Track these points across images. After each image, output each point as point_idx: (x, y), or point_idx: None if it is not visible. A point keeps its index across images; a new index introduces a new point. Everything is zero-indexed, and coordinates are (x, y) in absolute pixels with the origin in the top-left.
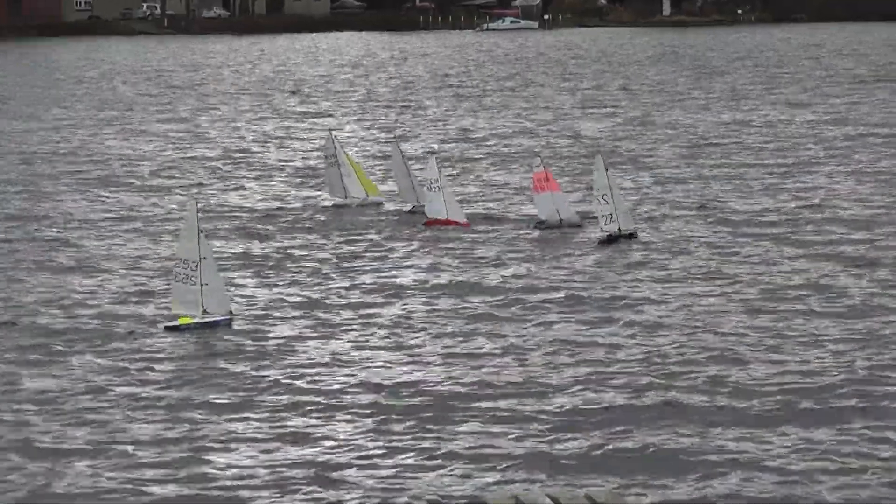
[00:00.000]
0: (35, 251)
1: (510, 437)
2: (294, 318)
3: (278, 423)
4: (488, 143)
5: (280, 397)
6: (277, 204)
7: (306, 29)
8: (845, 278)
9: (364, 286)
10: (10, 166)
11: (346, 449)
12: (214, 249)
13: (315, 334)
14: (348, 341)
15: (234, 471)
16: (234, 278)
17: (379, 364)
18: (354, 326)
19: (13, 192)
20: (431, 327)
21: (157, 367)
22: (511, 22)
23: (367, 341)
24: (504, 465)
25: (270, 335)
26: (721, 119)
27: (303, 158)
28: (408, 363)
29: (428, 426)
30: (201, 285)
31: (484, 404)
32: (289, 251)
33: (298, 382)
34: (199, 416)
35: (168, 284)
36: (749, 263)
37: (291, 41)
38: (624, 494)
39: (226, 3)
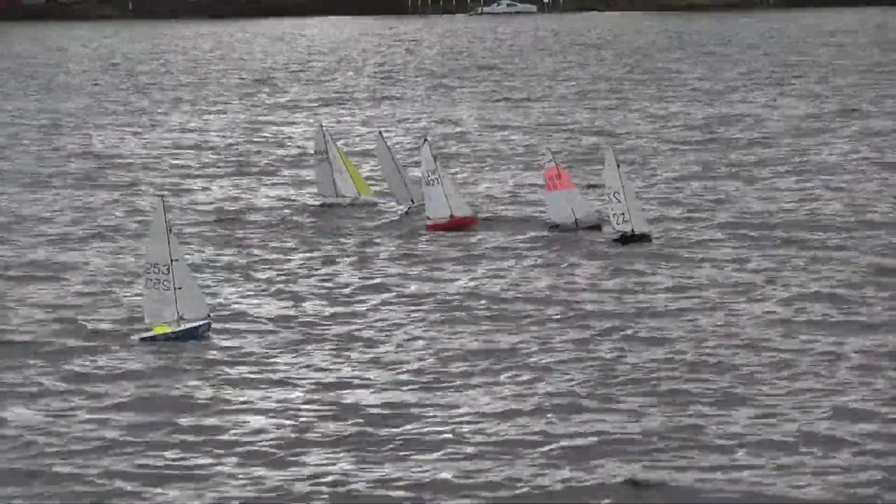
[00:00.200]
0: None
1: (499, 465)
2: (275, 328)
3: (263, 445)
4: (483, 137)
5: (261, 417)
6: (258, 203)
7: (288, 13)
8: (869, 288)
9: (352, 294)
10: None
11: (328, 470)
12: (189, 253)
13: (298, 348)
14: (332, 354)
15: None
16: (211, 284)
17: (364, 380)
18: (339, 340)
19: None
20: (423, 341)
21: (132, 385)
22: (507, 5)
23: (352, 357)
24: (494, 494)
25: (250, 345)
26: (735, 111)
27: (286, 153)
28: (396, 382)
29: (416, 451)
30: (175, 290)
31: (472, 427)
32: (271, 255)
33: (278, 399)
34: (181, 440)
35: (139, 292)
36: (766, 271)
37: (271, 26)
38: None
39: None
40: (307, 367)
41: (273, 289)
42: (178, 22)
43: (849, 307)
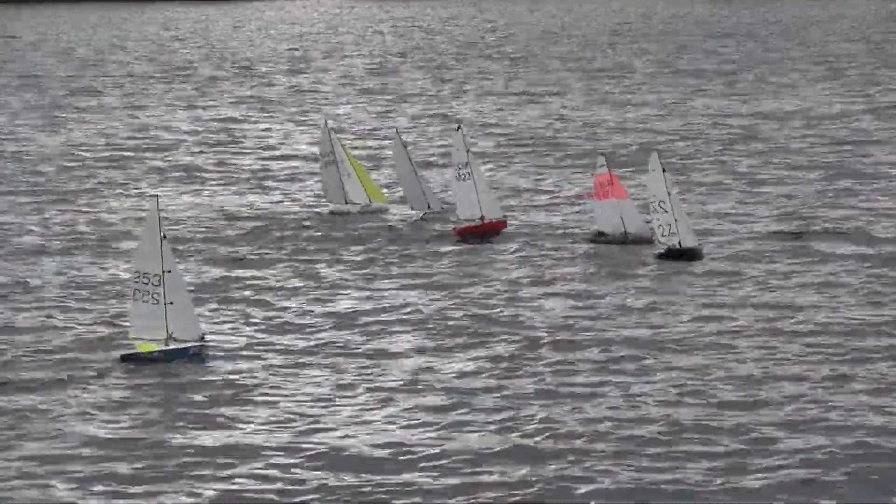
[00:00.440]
0: None
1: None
2: (273, 356)
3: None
4: (509, 134)
5: (257, 463)
6: (258, 213)
7: None
8: None
9: (357, 319)
10: None
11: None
12: (181, 263)
13: (295, 379)
14: (341, 383)
15: None
16: (206, 301)
17: (363, 416)
18: (341, 375)
19: None
20: (430, 371)
21: (109, 411)
22: None
23: (353, 391)
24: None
25: (248, 371)
26: (785, 108)
27: (286, 155)
28: (410, 413)
29: (425, 480)
30: (166, 304)
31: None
32: (273, 271)
33: (279, 439)
34: (151, 478)
35: (123, 305)
36: (832, 303)
37: (254, 9)
38: None
39: None
40: (303, 402)
41: (274, 310)
42: (147, 5)
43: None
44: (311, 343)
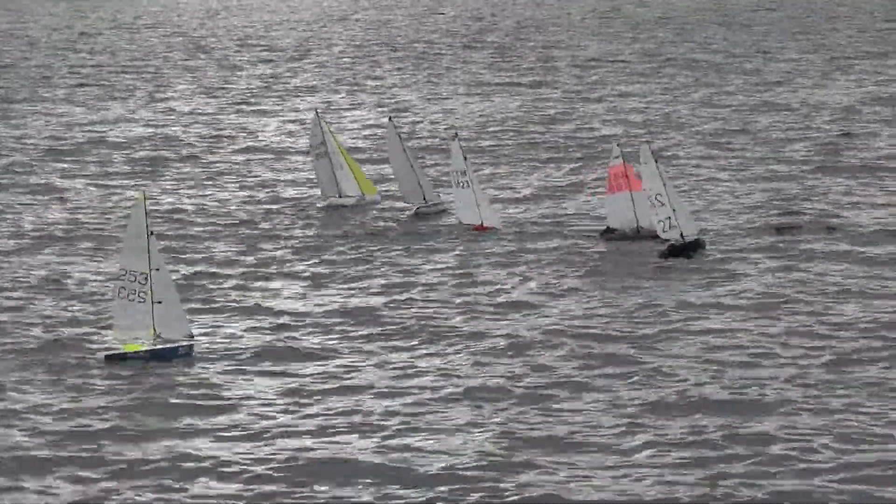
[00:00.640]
0: None
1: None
2: (268, 351)
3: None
4: (507, 126)
5: (241, 468)
6: (251, 207)
7: None
8: None
9: (357, 315)
10: None
11: None
12: (170, 263)
13: (284, 383)
14: (331, 383)
15: None
16: (194, 299)
17: (355, 422)
18: (330, 380)
19: None
20: (422, 375)
21: (91, 415)
22: None
23: (342, 395)
24: None
25: (238, 371)
26: (783, 98)
27: (274, 146)
28: (404, 418)
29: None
30: (153, 303)
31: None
32: (267, 269)
33: (267, 442)
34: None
35: (107, 303)
36: (832, 297)
37: None
38: None
39: None
40: (292, 403)
41: (265, 308)
42: None
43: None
44: (302, 343)
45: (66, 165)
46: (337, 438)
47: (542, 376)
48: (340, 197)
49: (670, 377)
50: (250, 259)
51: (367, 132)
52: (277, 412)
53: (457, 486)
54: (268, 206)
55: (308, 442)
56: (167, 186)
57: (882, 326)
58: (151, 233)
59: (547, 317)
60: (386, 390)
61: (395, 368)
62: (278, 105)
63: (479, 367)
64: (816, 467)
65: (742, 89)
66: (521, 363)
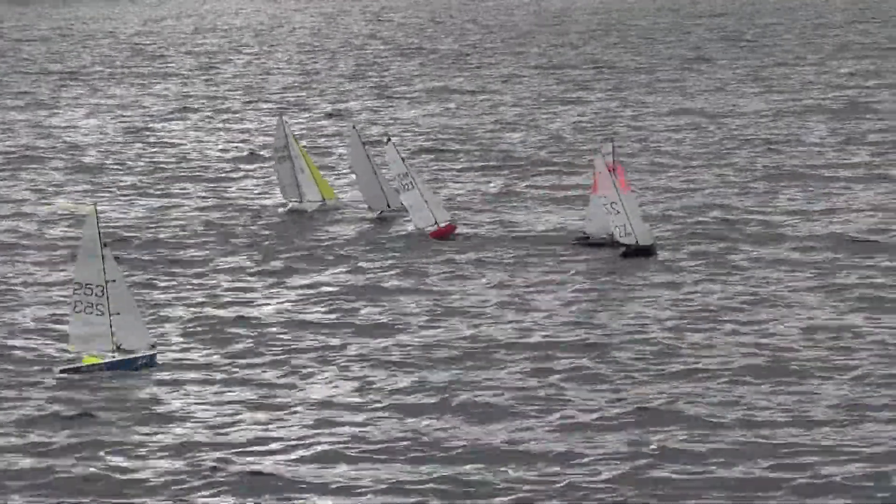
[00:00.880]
0: None
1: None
2: (228, 361)
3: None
4: (469, 133)
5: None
6: (211, 213)
7: None
8: (875, 326)
9: (316, 322)
10: None
11: None
12: (129, 272)
13: (255, 383)
14: (290, 393)
15: None
16: (153, 309)
17: (312, 433)
18: (298, 375)
19: None
20: (382, 379)
21: (46, 428)
22: None
23: (304, 405)
24: None
25: (198, 382)
26: (753, 107)
27: (235, 150)
28: (366, 422)
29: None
30: (110, 315)
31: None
32: (228, 276)
33: (225, 455)
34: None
35: (61, 316)
36: (777, 304)
37: (179, 2)
38: None
39: None
40: (255, 411)
41: (228, 319)
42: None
43: (851, 344)
44: (264, 353)
45: (6, 174)
46: (301, 453)
47: (494, 382)
48: (302, 202)
49: (617, 386)
50: (210, 267)
51: (325, 139)
52: (237, 424)
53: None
54: (226, 213)
55: (268, 456)
56: (120, 196)
57: (820, 333)
58: (105, 245)
59: (497, 323)
60: (346, 402)
61: (353, 378)
62: (234, 111)
63: (431, 375)
64: (749, 483)
65: (689, 96)
66: (477, 369)
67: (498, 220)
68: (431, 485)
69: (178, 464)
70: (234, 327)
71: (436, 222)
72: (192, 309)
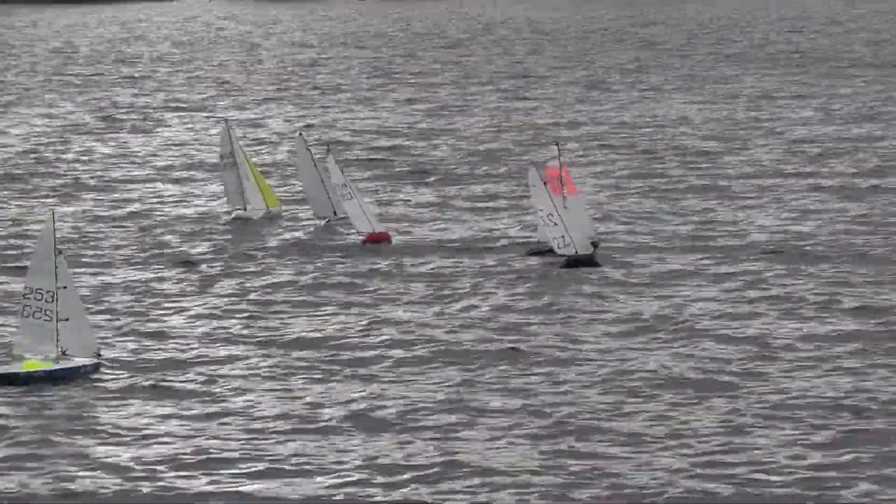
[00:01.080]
0: None
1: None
2: (174, 368)
3: None
4: (400, 142)
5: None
6: (155, 220)
7: None
8: (794, 340)
9: (261, 329)
10: None
11: None
12: (77, 278)
13: (187, 401)
14: (237, 401)
15: None
16: (102, 316)
17: (270, 437)
18: (235, 398)
19: None
20: (319, 386)
21: None
22: None
23: (245, 416)
24: None
25: (141, 386)
26: (684, 116)
27: (183, 157)
28: (307, 432)
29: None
30: (58, 321)
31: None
32: (175, 282)
33: (165, 469)
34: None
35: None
36: (707, 314)
37: (119, 11)
38: None
39: None
40: (195, 422)
41: (172, 329)
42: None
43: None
44: (208, 363)
45: None
46: (241, 467)
47: (420, 394)
48: (246, 209)
49: (543, 398)
50: (155, 275)
51: (269, 146)
52: (179, 437)
53: None
54: (172, 222)
55: (207, 473)
56: (52, 205)
57: (749, 343)
58: (59, 252)
59: (427, 333)
60: (288, 416)
61: (298, 391)
62: (179, 118)
63: (369, 386)
64: (676, 499)
65: (623, 106)
66: (406, 380)
67: (433, 230)
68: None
69: (110, 479)
70: (169, 338)
71: (374, 230)
72: (136, 319)
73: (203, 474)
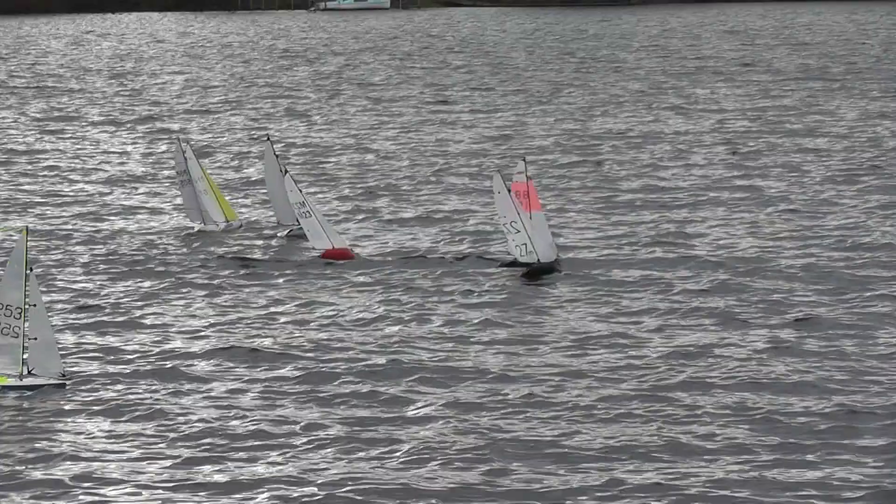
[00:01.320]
0: None
1: None
2: (141, 387)
3: None
4: (351, 156)
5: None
6: (121, 236)
7: (89, 9)
8: (752, 349)
9: (231, 345)
10: None
11: None
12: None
13: (153, 424)
14: (202, 424)
15: None
16: (66, 331)
17: (239, 456)
18: (214, 399)
19: None
20: (289, 398)
21: None
22: (355, 0)
23: (215, 436)
24: None
25: (106, 402)
26: (633, 128)
27: (134, 171)
28: (278, 448)
29: None
30: (24, 339)
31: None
32: (137, 301)
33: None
34: None
35: None
36: (666, 326)
37: (56, 24)
38: None
39: None
40: (155, 451)
41: (137, 343)
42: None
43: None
44: (170, 382)
45: None
46: (205, 485)
47: (366, 412)
48: (205, 223)
49: (487, 414)
50: (118, 292)
51: (223, 160)
52: (139, 458)
53: None
54: (134, 236)
55: (168, 491)
56: (29, 217)
57: (694, 357)
58: (31, 269)
59: (380, 346)
60: (254, 433)
61: (264, 409)
62: (137, 130)
63: (315, 403)
64: None
65: (570, 117)
66: (366, 392)
67: (392, 243)
68: None
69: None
70: (131, 354)
71: (332, 246)
72: (89, 334)
73: (164, 493)
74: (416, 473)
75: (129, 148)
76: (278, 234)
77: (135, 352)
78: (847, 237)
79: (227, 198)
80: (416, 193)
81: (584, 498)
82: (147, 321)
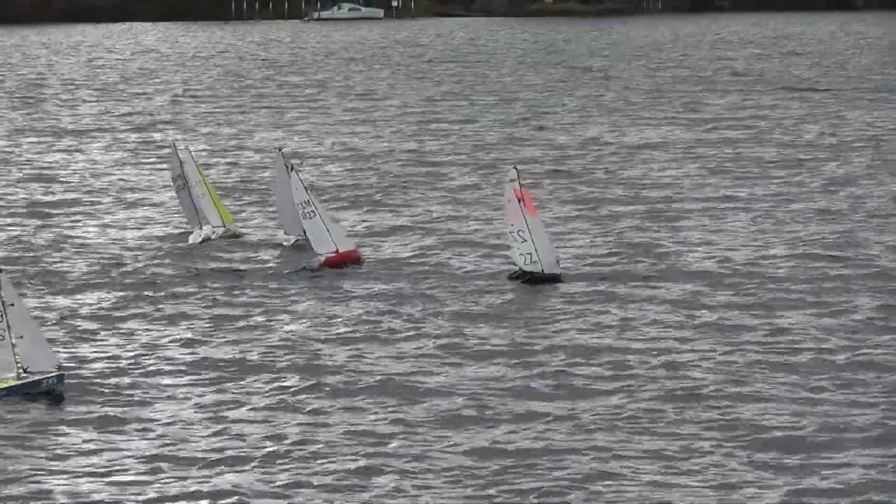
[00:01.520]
0: None
1: None
2: (138, 390)
3: None
4: (334, 164)
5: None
6: (112, 240)
7: (87, 19)
8: (751, 362)
9: (226, 352)
10: None
11: None
12: (26, 296)
13: (155, 414)
14: (199, 414)
15: None
16: (58, 338)
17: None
18: (209, 399)
19: None
20: (287, 411)
21: None
22: (350, 10)
23: (211, 432)
24: None
25: (97, 412)
26: (621, 140)
27: (130, 178)
28: (271, 455)
29: None
30: (12, 339)
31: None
32: (134, 301)
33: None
34: None
35: None
36: (664, 337)
37: (65, 33)
38: None
39: None
40: (164, 433)
41: (129, 353)
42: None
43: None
44: (170, 380)
45: None
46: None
47: (358, 423)
48: (203, 228)
49: (486, 426)
50: (111, 297)
51: (219, 166)
52: (133, 468)
53: None
54: (130, 242)
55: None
56: (17, 219)
57: (683, 368)
58: (1, 270)
59: (369, 355)
60: (250, 444)
61: (257, 421)
62: (132, 137)
63: (305, 415)
64: None
65: (558, 128)
66: (361, 413)
67: (388, 253)
68: None
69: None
70: (126, 364)
71: (336, 249)
72: (83, 344)
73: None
74: (413, 484)
75: (120, 156)
76: (283, 244)
77: (126, 362)
78: (843, 245)
79: (222, 202)
80: (412, 201)
81: None
82: (139, 331)
